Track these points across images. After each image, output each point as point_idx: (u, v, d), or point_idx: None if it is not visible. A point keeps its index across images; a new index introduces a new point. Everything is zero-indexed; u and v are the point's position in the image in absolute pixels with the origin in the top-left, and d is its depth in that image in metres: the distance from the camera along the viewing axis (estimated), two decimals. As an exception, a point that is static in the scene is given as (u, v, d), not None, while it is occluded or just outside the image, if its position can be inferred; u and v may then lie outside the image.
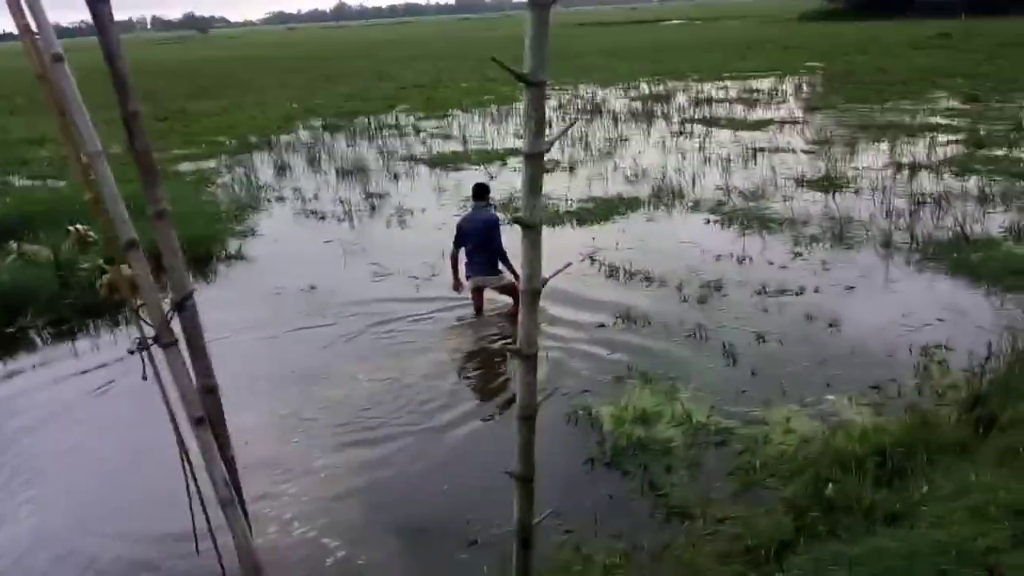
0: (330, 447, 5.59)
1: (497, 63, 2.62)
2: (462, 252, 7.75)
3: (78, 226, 9.98)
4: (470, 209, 8.18)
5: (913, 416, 5.24)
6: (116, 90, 2.44)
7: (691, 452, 5.17)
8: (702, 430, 5.42)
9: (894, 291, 7.86)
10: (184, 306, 2.70)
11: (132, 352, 2.69)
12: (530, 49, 2.63)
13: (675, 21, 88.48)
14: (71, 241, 9.70)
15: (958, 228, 9.37)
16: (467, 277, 7.73)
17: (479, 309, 7.83)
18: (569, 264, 3.37)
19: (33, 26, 2.47)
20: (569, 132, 18.34)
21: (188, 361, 2.74)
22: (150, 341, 2.72)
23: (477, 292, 7.79)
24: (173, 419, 2.78)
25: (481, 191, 7.83)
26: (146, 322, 2.72)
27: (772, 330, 6.98)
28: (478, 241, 7.55)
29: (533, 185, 2.89)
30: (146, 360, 2.73)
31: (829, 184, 12.05)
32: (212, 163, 16.88)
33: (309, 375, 6.69)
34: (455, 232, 7.82)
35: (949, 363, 6.21)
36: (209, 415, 2.75)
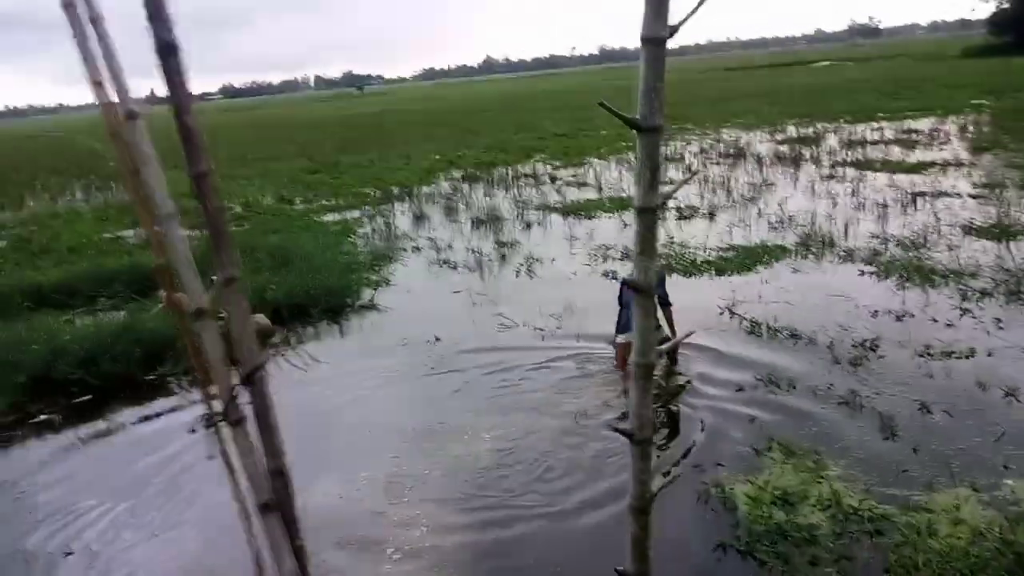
0: (440, 524, 5.32)
1: (605, 108, 2.30)
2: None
3: (222, 276, 10.39)
4: None
5: (1118, 512, 4.38)
6: (184, 147, 2.28)
7: (840, 542, 4.51)
8: (853, 516, 4.75)
9: (1084, 356, 6.80)
10: (253, 380, 2.49)
11: (193, 431, 2.48)
12: (643, 90, 2.29)
13: (823, 63, 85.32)
14: (214, 291, 10.09)
15: None
16: (618, 331, 7.39)
17: (622, 365, 7.41)
18: (692, 333, 2.96)
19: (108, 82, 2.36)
20: (709, 178, 17.72)
21: (257, 440, 2.53)
22: (217, 418, 2.52)
23: (625, 347, 7.36)
24: (242, 503, 2.57)
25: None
26: (214, 397, 2.53)
27: (938, 399, 6.15)
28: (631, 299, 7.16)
29: (646, 243, 2.53)
30: (214, 438, 2.53)
31: (1001, 232, 10.86)
32: (356, 213, 17.40)
33: (424, 431, 6.48)
34: (619, 302, 7.48)
35: None
36: (277, 500, 2.52)
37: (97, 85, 2.36)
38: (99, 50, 2.13)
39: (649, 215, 2.49)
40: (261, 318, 9.47)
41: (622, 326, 7.36)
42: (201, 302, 2.47)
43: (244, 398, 2.63)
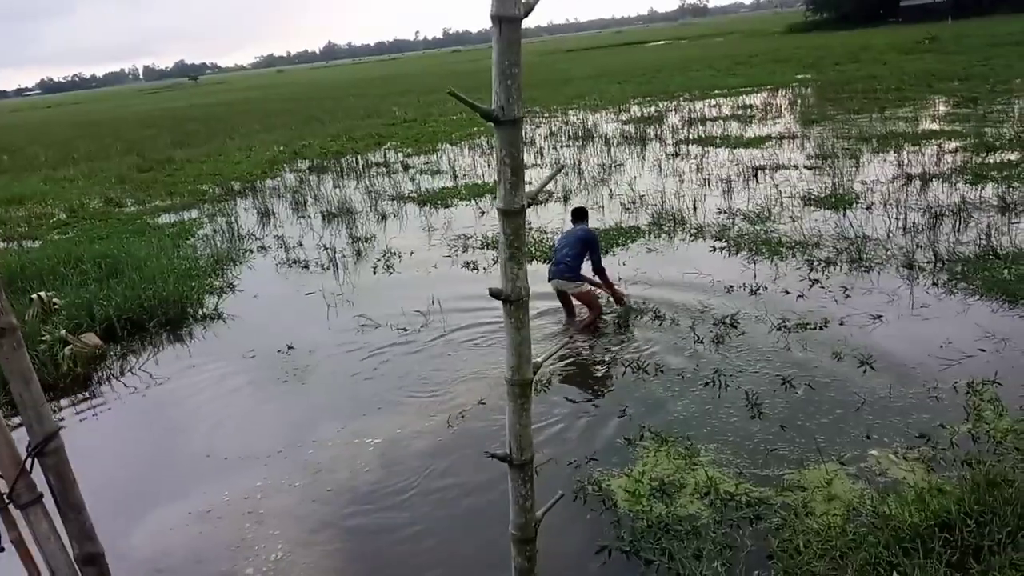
0: (301, 529, 4.87)
1: (457, 98, 1.97)
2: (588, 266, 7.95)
3: (42, 294, 9.34)
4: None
5: (975, 473, 4.53)
6: None
7: (722, 532, 4.43)
8: (732, 502, 4.70)
9: (925, 318, 7.15)
10: (45, 451, 2.00)
11: None
12: (498, 79, 1.96)
13: (661, 42, 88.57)
14: (34, 310, 9.04)
15: (984, 242, 8.71)
16: (549, 280, 7.94)
17: (569, 312, 8.05)
18: (569, 341, 2.70)
19: None
20: (559, 159, 17.77)
21: (59, 523, 2.06)
22: (3, 500, 2.02)
23: (562, 295, 8.06)
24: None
25: (579, 214, 8.28)
26: (-4, 476, 2.02)
27: (798, 372, 6.27)
28: (564, 246, 7.88)
29: (513, 249, 2.22)
30: (1, 526, 2.03)
31: (838, 201, 11.40)
32: (194, 213, 16.27)
33: (261, 454, 5.98)
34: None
35: (1003, 401, 5.51)
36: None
37: None
38: None
39: (515, 217, 2.17)
40: (91, 337, 8.57)
41: (550, 273, 7.93)
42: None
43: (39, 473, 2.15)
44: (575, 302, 8.04)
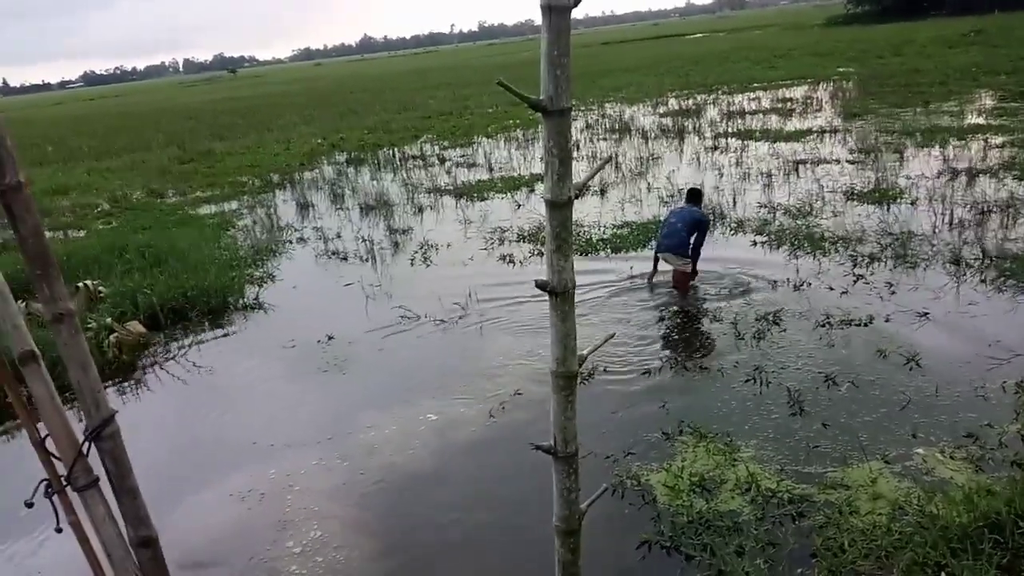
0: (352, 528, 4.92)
1: (506, 88, 1.96)
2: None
3: (88, 282, 9.53)
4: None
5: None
6: None
7: (764, 528, 4.39)
8: (773, 499, 4.65)
9: (973, 315, 7.00)
10: (102, 435, 2.03)
11: (30, 504, 2.02)
12: (547, 69, 1.95)
13: (698, 35, 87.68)
14: (80, 298, 9.23)
15: (1034, 239, 8.51)
16: (656, 250, 8.37)
17: (675, 284, 8.39)
18: (612, 336, 2.68)
19: None
20: (596, 153, 17.68)
21: (115, 506, 2.09)
22: (62, 483, 2.06)
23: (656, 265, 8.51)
24: (102, 581, 2.12)
25: (694, 194, 8.58)
26: (55, 457, 2.06)
27: (842, 370, 6.18)
28: (679, 221, 8.14)
29: (560, 241, 2.21)
30: (58, 508, 2.07)
31: (881, 196, 11.21)
32: (234, 204, 16.47)
33: (318, 438, 6.04)
34: (661, 224, 8.57)
35: (1053, 402, 5.38)
36: (146, 574, 2.09)
37: None
38: None
39: (562, 209, 2.15)
40: (135, 325, 8.72)
41: (659, 244, 8.32)
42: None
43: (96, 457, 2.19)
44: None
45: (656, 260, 8.58)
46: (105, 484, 2.14)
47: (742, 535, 4.35)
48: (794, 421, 5.55)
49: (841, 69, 30.43)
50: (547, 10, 1.86)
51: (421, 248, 11.35)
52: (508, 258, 10.33)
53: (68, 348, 1.97)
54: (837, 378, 6.04)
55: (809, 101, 22.64)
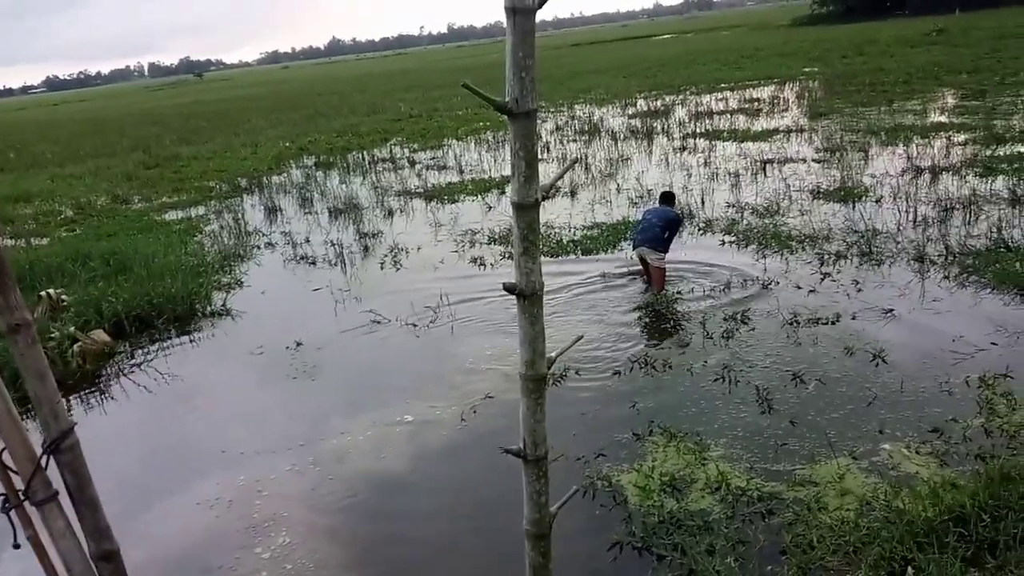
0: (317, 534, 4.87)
1: (471, 90, 1.94)
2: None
3: (50, 291, 9.34)
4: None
5: (989, 468, 4.49)
6: None
7: (734, 527, 4.42)
8: (743, 497, 4.68)
9: (937, 312, 7.11)
10: (61, 447, 1.98)
11: None
12: (512, 71, 1.94)
13: (666, 35, 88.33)
14: (42, 307, 9.04)
15: (995, 235, 8.65)
16: (633, 246, 8.58)
17: (648, 279, 8.60)
18: (580, 338, 2.68)
19: None
20: (566, 154, 17.72)
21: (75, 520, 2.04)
22: (19, 497, 2.01)
23: (643, 262, 8.57)
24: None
25: (667, 197, 8.93)
26: (12, 471, 2.01)
27: (809, 368, 6.24)
28: (654, 218, 8.44)
29: (527, 243, 2.20)
30: (16, 523, 2.01)
31: (847, 194, 11.35)
32: (201, 210, 16.27)
33: (288, 446, 5.98)
34: (636, 222, 9.08)
35: (1016, 395, 5.47)
36: (106, 592, 2.04)
37: None
38: None
39: (528, 211, 2.14)
40: (99, 334, 8.57)
41: (635, 241, 8.54)
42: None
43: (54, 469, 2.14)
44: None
45: (640, 260, 8.69)
46: (64, 497, 2.09)
47: (713, 534, 4.37)
48: (763, 419, 5.60)
49: (807, 69, 30.81)
50: (511, 12, 1.85)
51: (391, 251, 11.30)
52: (479, 260, 10.31)
53: (25, 359, 1.92)
54: (805, 376, 6.10)
55: (775, 101, 22.88)
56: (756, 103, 22.96)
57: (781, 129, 17.86)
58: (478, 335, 7.79)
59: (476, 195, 14.62)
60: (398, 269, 10.53)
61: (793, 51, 40.39)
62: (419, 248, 11.36)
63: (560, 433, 5.69)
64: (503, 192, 14.59)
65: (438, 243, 11.55)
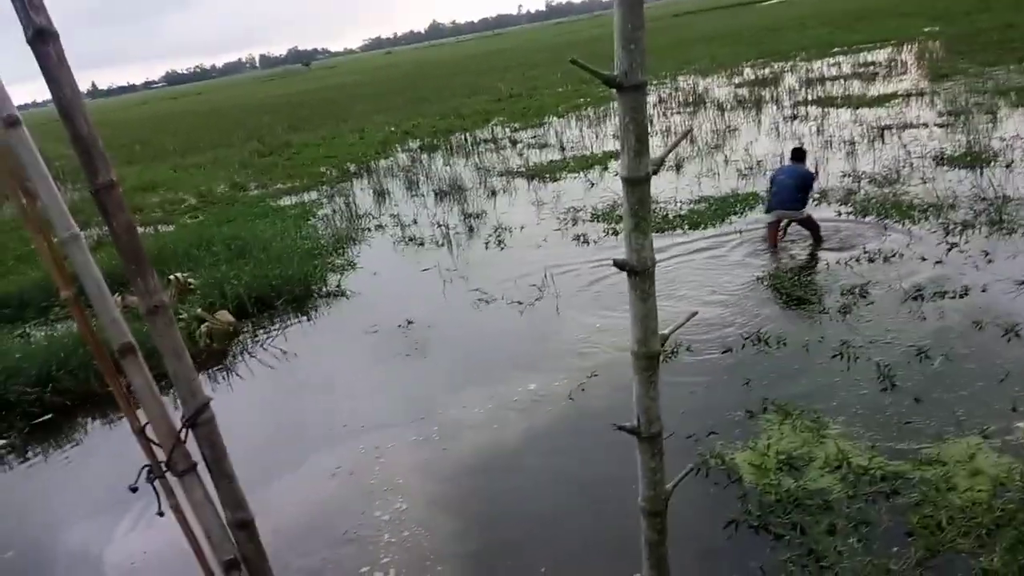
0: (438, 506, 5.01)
1: (579, 65, 1.93)
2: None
3: (178, 275, 9.91)
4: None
5: None
6: (80, 156, 1.83)
7: (856, 507, 4.28)
8: (865, 476, 4.52)
9: (1076, 283, 6.62)
10: (198, 421, 2.11)
11: (134, 489, 2.11)
12: (621, 44, 1.91)
13: (773, 0, 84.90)
14: (171, 290, 9.61)
15: None
16: (768, 210, 8.72)
17: (774, 243, 8.64)
18: (694, 314, 2.64)
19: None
20: (670, 127, 17.39)
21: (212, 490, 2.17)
22: (162, 468, 2.15)
23: (774, 225, 8.66)
24: (204, 563, 2.22)
25: (798, 153, 8.88)
26: (155, 443, 2.15)
27: (935, 343, 5.93)
28: (787, 180, 8.48)
29: (638, 218, 2.17)
30: (160, 492, 2.16)
31: (973, 159, 10.68)
32: (313, 195, 16.84)
33: (405, 420, 6.15)
34: (769, 184, 9.02)
35: None
36: (244, 556, 2.17)
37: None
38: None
39: (639, 186, 2.11)
40: (224, 314, 9.04)
41: (770, 204, 8.67)
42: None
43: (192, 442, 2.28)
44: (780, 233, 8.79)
45: (772, 224, 8.75)
46: (202, 469, 2.23)
47: (833, 513, 4.25)
48: (885, 396, 5.37)
49: (927, 29, 29.04)
50: None
51: (495, 231, 11.39)
52: (582, 238, 10.28)
53: (163, 339, 2.05)
54: (930, 351, 5.81)
55: (893, 64, 21.70)
56: (872, 67, 21.85)
57: (900, 93, 16.95)
58: (583, 312, 7.78)
59: (578, 172, 14.54)
60: (502, 248, 10.62)
61: (911, 11, 38.10)
62: (522, 227, 11.41)
63: (670, 411, 5.63)
64: (605, 168, 14.45)
65: (541, 221, 11.58)
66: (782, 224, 8.76)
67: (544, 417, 5.94)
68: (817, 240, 8.59)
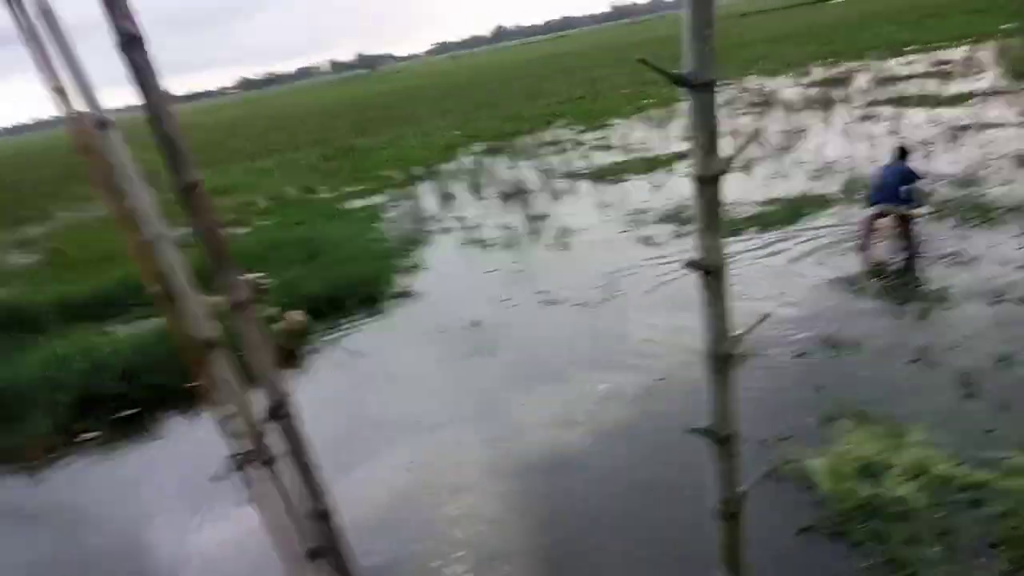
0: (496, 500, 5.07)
1: (647, 65, 1.94)
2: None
3: (252, 275, 10.17)
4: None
5: None
6: (165, 156, 1.92)
7: (938, 516, 4.17)
8: (947, 485, 4.40)
9: None
10: (279, 414, 2.20)
11: (220, 478, 2.20)
12: (690, 41, 1.91)
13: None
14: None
15: None
16: (872, 203, 8.64)
17: (865, 239, 8.52)
18: (767, 316, 2.62)
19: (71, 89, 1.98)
20: (737, 129, 17.14)
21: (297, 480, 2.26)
22: (246, 459, 2.24)
23: (873, 220, 8.57)
24: (285, 551, 2.30)
25: (901, 151, 8.81)
26: (238, 435, 2.25)
27: (1019, 350, 5.74)
28: (890, 176, 8.55)
29: (710, 217, 2.16)
30: (243, 481, 2.25)
31: (1059, 160, 10.27)
32: (380, 198, 17.10)
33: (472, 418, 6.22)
34: (872, 180, 8.96)
35: None
36: (325, 545, 2.25)
37: (59, 92, 1.98)
38: (59, 52, 1.79)
39: (710, 185, 2.10)
40: (297, 314, 9.26)
41: (873, 198, 8.63)
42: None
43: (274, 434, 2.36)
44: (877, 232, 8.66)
45: (872, 218, 8.65)
46: (282, 460, 2.31)
47: (914, 522, 4.15)
48: (966, 404, 5.23)
49: (1004, 26, 27.95)
50: None
51: (560, 233, 11.41)
52: (648, 239, 10.22)
53: (247, 334, 2.14)
54: (1013, 358, 5.61)
55: (969, 62, 20.97)
56: (948, 65, 21.14)
57: (978, 93, 16.37)
58: (649, 314, 7.74)
59: (643, 173, 14.45)
60: (568, 249, 10.63)
61: (986, 7, 36.72)
62: (587, 228, 11.40)
63: (742, 415, 5.56)
64: (670, 170, 14.33)
65: (606, 223, 11.55)
66: (879, 222, 8.62)
67: (612, 417, 5.94)
68: (909, 245, 8.42)
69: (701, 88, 1.93)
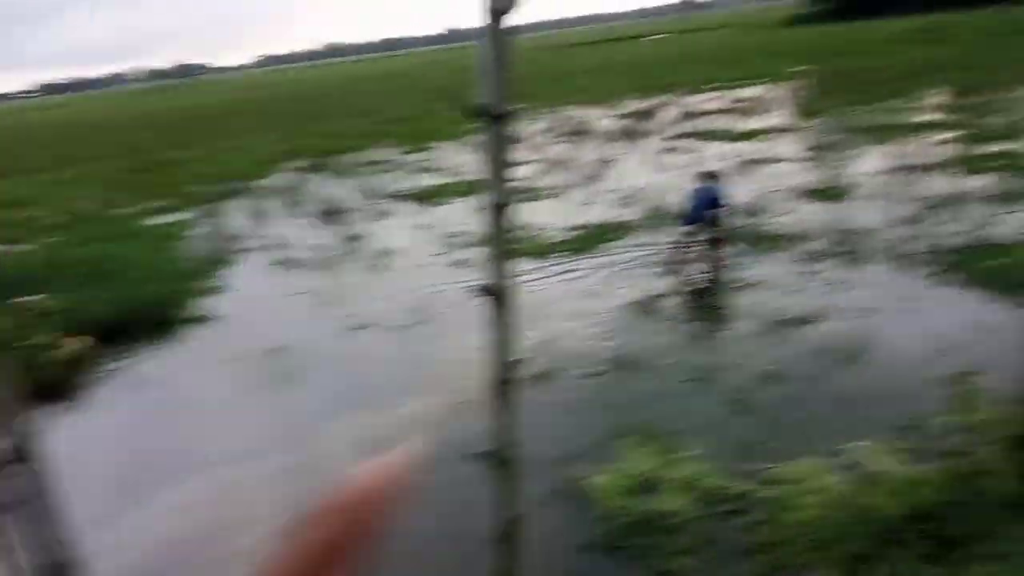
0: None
1: (449, 99, 1.92)
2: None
3: (30, 298, 9.32)
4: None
5: (952, 463, 4.50)
6: None
7: (704, 526, 4.41)
8: (715, 496, 4.67)
9: (916, 311, 7.14)
10: (20, 456, 1.97)
11: None
12: (486, 73, 1.91)
13: (656, 36, 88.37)
14: (24, 314, 9.02)
15: (978, 233, 8.67)
16: (684, 224, 9.15)
17: (672, 266, 8.99)
18: (552, 339, 2.65)
19: None
20: (553, 156, 17.71)
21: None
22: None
23: (683, 240, 9.10)
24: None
25: (710, 175, 9.46)
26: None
27: (785, 368, 6.23)
28: (700, 197, 9.07)
29: (498, 243, 2.19)
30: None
31: (832, 193, 11.37)
32: (188, 214, 16.20)
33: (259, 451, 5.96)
34: (685, 201, 9.42)
35: (984, 392, 5.46)
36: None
37: None
38: None
39: (499, 212, 2.13)
40: (80, 340, 8.54)
41: (685, 217, 9.16)
42: None
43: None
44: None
45: (686, 234, 9.20)
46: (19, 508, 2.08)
47: (684, 533, 4.37)
48: (736, 419, 5.60)
49: (796, 68, 30.78)
50: (488, 12, 1.84)
51: (374, 254, 11.27)
52: (462, 262, 10.29)
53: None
54: (779, 376, 6.09)
55: (764, 101, 22.89)
56: (745, 103, 22.97)
57: (768, 129, 17.87)
58: (456, 336, 7.75)
59: (463, 196, 14.59)
60: (381, 271, 10.51)
61: (786, 51, 40.35)
62: (403, 250, 11.34)
63: (528, 436, 5.66)
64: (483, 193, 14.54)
65: (422, 245, 11.54)
66: (689, 242, 9.12)
67: (412, 439, 5.86)
68: (714, 266, 8.96)
69: (496, 119, 1.93)
